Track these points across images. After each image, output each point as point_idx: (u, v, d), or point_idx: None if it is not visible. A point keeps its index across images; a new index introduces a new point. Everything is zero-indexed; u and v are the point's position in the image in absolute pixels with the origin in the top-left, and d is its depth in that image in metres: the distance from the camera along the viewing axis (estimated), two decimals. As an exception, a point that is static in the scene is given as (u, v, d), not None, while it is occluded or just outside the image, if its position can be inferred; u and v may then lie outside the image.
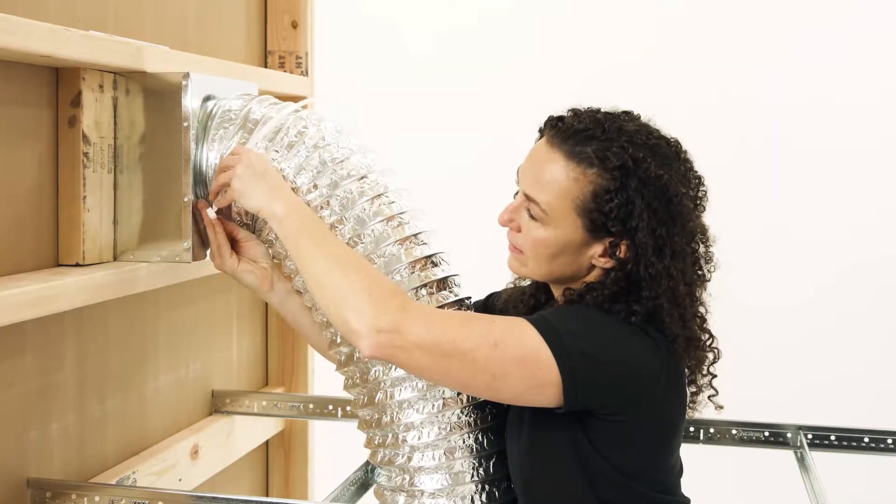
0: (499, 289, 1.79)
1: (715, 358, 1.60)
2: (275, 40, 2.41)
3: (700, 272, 1.58)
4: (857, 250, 3.42)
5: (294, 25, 2.40)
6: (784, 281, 3.46)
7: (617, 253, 1.52)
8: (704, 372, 1.60)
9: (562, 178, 1.52)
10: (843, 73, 3.41)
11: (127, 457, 1.86)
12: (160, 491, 1.69)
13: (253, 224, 1.69)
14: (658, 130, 1.57)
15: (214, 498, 1.60)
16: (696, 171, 1.59)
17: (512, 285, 1.76)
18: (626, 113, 1.59)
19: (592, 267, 1.55)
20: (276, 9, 2.40)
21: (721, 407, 1.64)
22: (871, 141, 3.41)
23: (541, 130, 1.60)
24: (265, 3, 2.40)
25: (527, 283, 1.72)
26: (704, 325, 1.58)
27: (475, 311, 1.69)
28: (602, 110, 1.58)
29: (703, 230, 1.59)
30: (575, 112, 1.58)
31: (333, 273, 1.50)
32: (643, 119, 1.59)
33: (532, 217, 1.55)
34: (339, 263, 1.51)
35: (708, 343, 1.58)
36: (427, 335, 1.44)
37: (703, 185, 1.60)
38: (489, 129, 3.47)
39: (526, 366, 1.44)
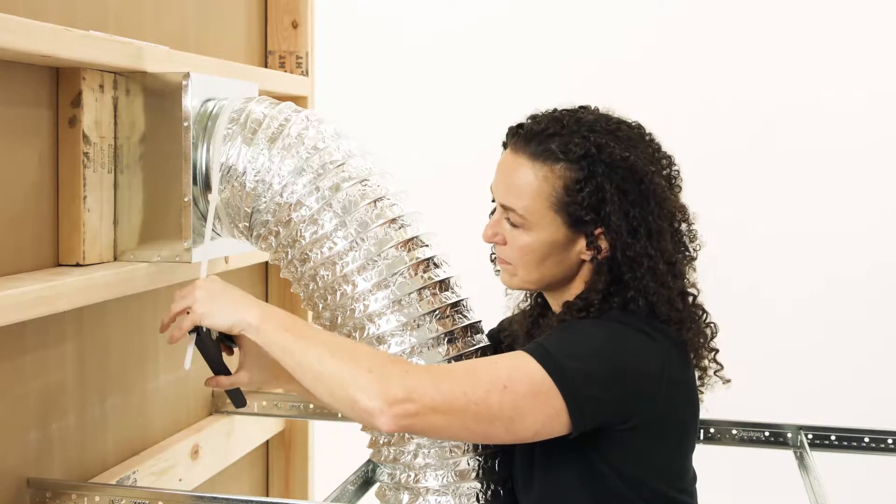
0: (499, 297, 1.79)
1: (712, 333, 1.60)
2: (275, 40, 2.41)
3: (684, 250, 1.59)
4: (858, 250, 3.41)
5: (294, 25, 2.40)
6: (784, 281, 3.46)
7: (596, 242, 1.52)
8: (706, 350, 1.60)
9: (531, 179, 1.53)
10: (845, 72, 3.41)
11: (127, 457, 1.86)
12: (160, 491, 1.69)
13: (250, 225, 1.69)
14: (618, 118, 1.58)
15: (214, 498, 1.60)
16: (665, 152, 1.60)
17: (517, 310, 1.76)
18: (583, 107, 1.60)
19: (582, 263, 1.56)
20: (276, 9, 2.40)
21: (728, 381, 1.62)
22: (873, 141, 3.41)
23: (504, 143, 1.61)
24: (265, 3, 2.40)
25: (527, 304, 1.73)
26: (696, 302, 1.58)
27: (489, 339, 1.70)
28: (558, 108, 1.59)
29: (682, 209, 1.59)
30: (533, 117, 1.59)
31: (327, 360, 1.45)
32: (602, 110, 1.60)
33: (514, 226, 1.55)
34: (329, 349, 1.46)
35: (703, 319, 1.58)
36: (438, 394, 1.41)
37: (675, 164, 1.60)
38: (489, 130, 3.46)
39: (539, 399, 1.43)
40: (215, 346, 1.65)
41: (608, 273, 1.53)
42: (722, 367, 1.62)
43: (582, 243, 1.54)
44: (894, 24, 3.41)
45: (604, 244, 1.53)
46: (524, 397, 1.42)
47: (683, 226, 1.59)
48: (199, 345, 1.61)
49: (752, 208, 3.45)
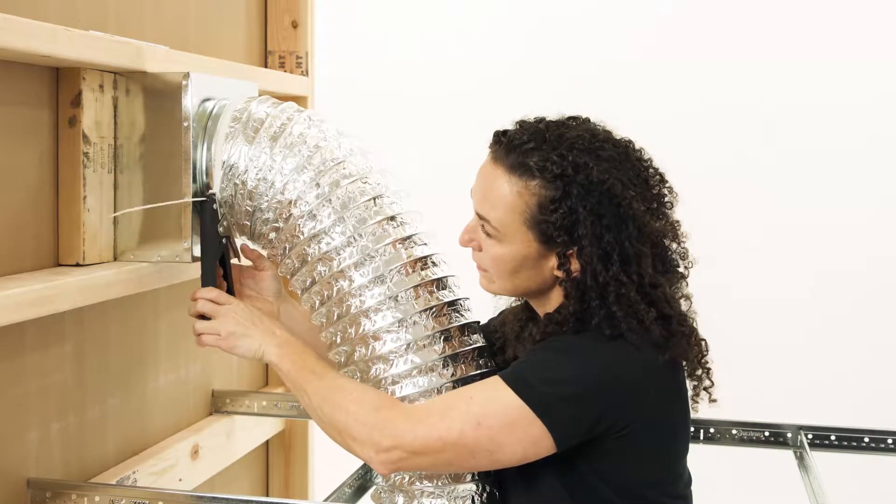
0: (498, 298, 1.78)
1: (701, 352, 1.57)
2: (275, 40, 2.41)
3: (674, 268, 1.56)
4: (858, 249, 3.42)
5: (294, 25, 2.40)
6: (784, 280, 3.46)
7: (567, 265, 1.51)
8: (695, 366, 1.57)
9: (507, 192, 1.52)
10: (841, 72, 3.41)
11: (127, 457, 1.86)
12: (160, 491, 1.70)
13: (251, 224, 1.69)
14: (606, 133, 1.55)
15: (214, 498, 1.60)
16: (655, 169, 1.57)
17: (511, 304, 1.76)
18: (573, 118, 1.57)
19: (556, 279, 1.54)
20: (276, 9, 2.41)
21: (714, 400, 1.60)
22: (871, 139, 3.41)
23: (489, 146, 1.59)
24: (265, 3, 2.40)
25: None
26: (685, 322, 1.54)
27: (488, 329, 1.70)
28: (546, 119, 1.56)
29: (672, 228, 1.56)
30: (520, 124, 1.57)
31: (326, 407, 1.54)
32: (592, 122, 1.57)
33: (488, 235, 1.55)
34: (328, 395, 1.54)
35: (691, 338, 1.54)
36: (416, 440, 1.47)
37: (666, 181, 1.57)
38: (489, 131, 3.47)
39: (516, 429, 1.45)
40: (215, 222, 1.67)
41: (578, 300, 1.50)
42: (713, 384, 1.59)
43: (554, 260, 1.52)
44: (893, 23, 3.41)
45: (575, 265, 1.51)
46: (500, 430, 1.45)
47: (673, 245, 1.56)
48: (203, 213, 1.66)
49: (751, 207, 3.45)
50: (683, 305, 1.57)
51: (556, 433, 1.44)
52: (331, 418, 1.53)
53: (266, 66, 2.40)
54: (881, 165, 3.41)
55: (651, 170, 1.56)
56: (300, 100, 2.34)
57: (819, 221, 3.43)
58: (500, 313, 1.78)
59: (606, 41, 3.51)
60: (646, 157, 1.57)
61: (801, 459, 1.95)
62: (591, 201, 1.48)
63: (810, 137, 3.43)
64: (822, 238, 3.43)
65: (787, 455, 2.03)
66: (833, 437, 2.00)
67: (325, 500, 1.77)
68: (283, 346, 1.60)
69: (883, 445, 1.99)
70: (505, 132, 1.57)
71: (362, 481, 1.84)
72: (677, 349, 1.52)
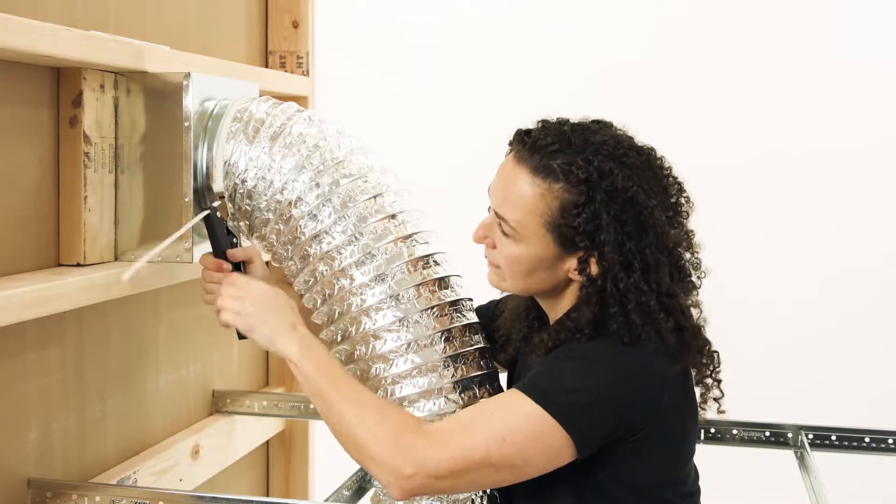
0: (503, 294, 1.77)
1: (714, 363, 1.57)
2: (275, 40, 2.41)
3: (687, 278, 1.56)
4: (858, 250, 3.42)
5: (295, 25, 2.40)
6: (785, 281, 3.46)
7: (587, 270, 1.50)
8: (707, 375, 1.57)
9: (529, 194, 1.51)
10: (844, 72, 3.42)
11: (127, 457, 1.86)
12: (161, 491, 1.70)
13: (250, 223, 1.69)
14: (629, 139, 1.55)
15: (215, 498, 1.60)
16: (675, 178, 1.56)
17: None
18: (596, 122, 1.56)
19: (570, 281, 1.54)
20: (276, 9, 2.41)
21: (723, 411, 1.61)
22: (871, 141, 3.41)
23: (510, 144, 1.58)
24: (266, 3, 2.40)
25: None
26: (699, 334, 1.54)
27: (485, 312, 1.70)
28: (570, 121, 1.55)
29: (687, 237, 1.56)
30: (543, 124, 1.56)
31: (344, 422, 1.48)
32: (615, 127, 1.56)
33: (504, 234, 1.54)
34: (347, 411, 1.48)
35: (704, 349, 1.55)
36: (439, 464, 1.43)
37: (684, 190, 1.57)
38: (489, 130, 3.46)
39: (540, 441, 1.43)
40: (223, 230, 1.66)
41: (597, 304, 1.49)
42: (723, 395, 1.59)
43: (571, 262, 1.52)
44: (893, 24, 3.41)
45: (594, 269, 1.50)
46: (525, 444, 1.43)
47: (687, 254, 1.56)
48: (208, 224, 1.64)
49: (752, 207, 3.45)
50: (694, 313, 1.57)
51: (577, 441, 1.44)
52: (350, 432, 1.47)
53: (267, 66, 2.40)
54: (883, 168, 3.41)
55: (671, 178, 1.56)
56: (300, 100, 2.34)
57: (821, 222, 3.44)
58: (504, 302, 1.77)
59: (606, 41, 3.51)
60: (666, 165, 1.56)
61: (801, 459, 1.95)
62: (615, 208, 1.47)
63: (811, 138, 3.43)
64: (824, 239, 3.43)
65: (787, 455, 2.04)
66: (834, 437, 2.00)
67: (325, 500, 1.77)
68: (305, 346, 1.52)
69: (883, 445, 1.99)
70: (528, 132, 1.55)
71: (362, 482, 1.84)
72: (689, 360, 1.53)
